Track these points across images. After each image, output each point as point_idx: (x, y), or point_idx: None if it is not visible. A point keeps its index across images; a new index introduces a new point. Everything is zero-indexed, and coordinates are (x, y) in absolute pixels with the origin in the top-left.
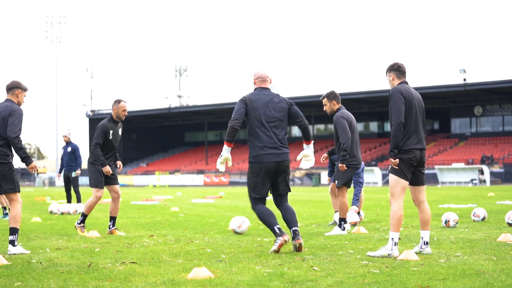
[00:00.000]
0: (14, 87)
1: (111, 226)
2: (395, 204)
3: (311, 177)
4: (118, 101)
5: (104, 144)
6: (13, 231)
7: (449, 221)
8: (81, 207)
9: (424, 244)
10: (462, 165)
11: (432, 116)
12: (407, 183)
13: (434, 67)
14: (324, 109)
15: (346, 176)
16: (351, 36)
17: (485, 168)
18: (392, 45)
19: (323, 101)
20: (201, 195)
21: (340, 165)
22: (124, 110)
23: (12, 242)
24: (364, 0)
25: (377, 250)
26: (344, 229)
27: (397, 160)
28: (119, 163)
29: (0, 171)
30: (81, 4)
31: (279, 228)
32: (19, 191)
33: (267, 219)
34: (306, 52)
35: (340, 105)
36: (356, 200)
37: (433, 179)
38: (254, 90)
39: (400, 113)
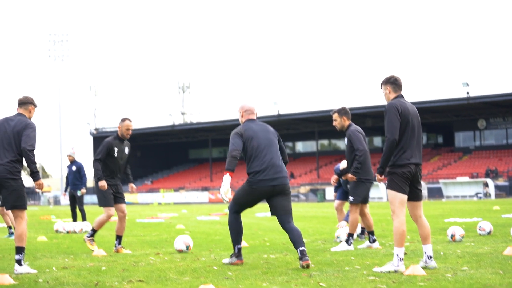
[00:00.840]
0: (28, 103)
1: (117, 245)
2: (396, 220)
3: (316, 192)
4: (123, 120)
5: (109, 162)
6: (19, 250)
7: (455, 235)
8: (86, 226)
9: (428, 258)
10: (466, 178)
11: (436, 130)
12: (406, 196)
13: (437, 81)
14: (334, 124)
15: (364, 193)
16: (353, 51)
17: (489, 181)
18: (394, 59)
19: (334, 116)
20: (206, 212)
21: (350, 175)
22: (128, 129)
23: (18, 262)
24: (365, 16)
25: (383, 266)
26: (374, 241)
27: (383, 177)
28: (131, 185)
29: (12, 186)
30: (84, 23)
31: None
32: (26, 208)
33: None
34: (309, 68)
35: (350, 121)
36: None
37: (438, 193)
38: (244, 123)
39: (394, 130)
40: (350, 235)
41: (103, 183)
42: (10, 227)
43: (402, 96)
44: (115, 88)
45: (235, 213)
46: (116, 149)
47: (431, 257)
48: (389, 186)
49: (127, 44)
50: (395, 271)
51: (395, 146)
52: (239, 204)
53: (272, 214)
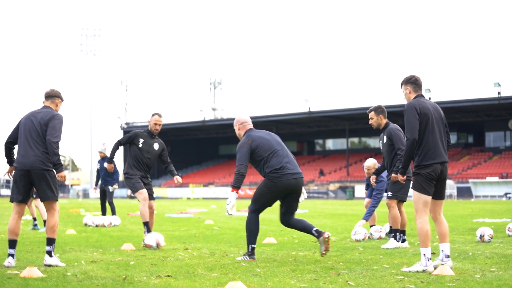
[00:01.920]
0: (55, 96)
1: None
2: (419, 220)
3: (345, 190)
4: (153, 114)
5: (134, 151)
6: (50, 241)
7: (483, 235)
8: (115, 220)
9: (445, 257)
10: (496, 178)
11: (466, 130)
12: (430, 197)
13: (468, 81)
14: (370, 122)
15: (402, 190)
16: (384, 49)
17: None
18: (425, 57)
19: (370, 114)
20: (236, 208)
21: (393, 175)
22: (156, 124)
23: (49, 253)
24: (398, 13)
25: (412, 266)
26: (404, 241)
27: (405, 176)
28: (176, 177)
29: (46, 178)
30: (116, 17)
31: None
32: (57, 200)
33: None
34: (341, 65)
35: (387, 119)
36: (368, 214)
37: (467, 193)
38: (246, 132)
39: (414, 130)
40: (397, 231)
41: (110, 165)
42: (34, 219)
43: (422, 96)
44: (146, 83)
45: (254, 213)
46: (141, 140)
47: (448, 256)
48: (414, 187)
49: (159, 39)
50: (424, 271)
51: (417, 145)
52: (260, 203)
53: (282, 211)
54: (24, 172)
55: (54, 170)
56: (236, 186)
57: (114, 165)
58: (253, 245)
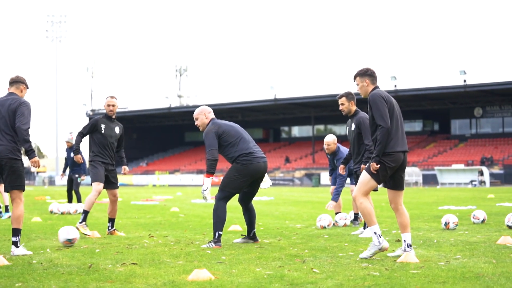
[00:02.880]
0: (19, 81)
1: (110, 228)
2: (361, 200)
3: (311, 177)
4: (106, 98)
5: (97, 138)
6: (16, 232)
7: (448, 223)
8: (81, 207)
9: (408, 247)
10: (462, 166)
11: (432, 117)
12: (377, 185)
13: (434, 68)
14: (341, 108)
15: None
16: (350, 36)
17: (484, 169)
18: (391, 45)
19: (341, 100)
20: (201, 195)
21: (362, 166)
22: (109, 105)
23: (15, 243)
24: (362, 1)
25: (366, 250)
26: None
27: (379, 165)
28: (124, 167)
29: (13, 167)
30: (82, 4)
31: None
32: (24, 190)
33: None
34: (306, 52)
35: (356, 107)
36: (337, 195)
37: (433, 180)
38: (210, 121)
39: (386, 118)
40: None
41: (78, 157)
42: (7, 207)
43: (378, 87)
44: (112, 70)
45: (222, 200)
46: (103, 126)
47: (410, 246)
48: (368, 170)
49: (124, 26)
50: (380, 250)
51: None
52: (229, 190)
53: (244, 192)
54: None
55: (27, 157)
56: (210, 172)
57: (81, 155)
58: (220, 232)
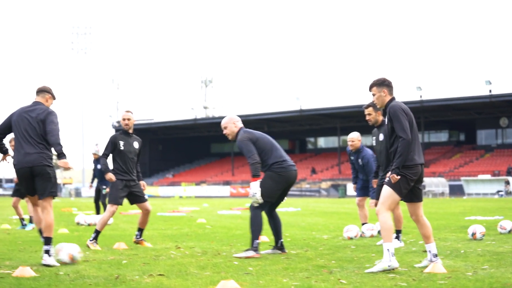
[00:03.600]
0: (45, 91)
1: (138, 236)
2: (383, 214)
3: (337, 188)
4: (122, 112)
5: (117, 155)
6: (48, 240)
7: (475, 233)
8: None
9: (433, 256)
10: (488, 176)
11: (458, 128)
12: (399, 199)
13: (459, 79)
14: (368, 118)
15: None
16: (374, 47)
17: (511, 179)
18: (416, 55)
19: (368, 110)
20: (228, 206)
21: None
22: (125, 119)
23: (47, 252)
24: (389, 12)
25: (374, 266)
26: (401, 241)
27: (399, 176)
28: (142, 183)
29: (47, 174)
30: (107, 15)
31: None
32: (56, 196)
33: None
34: (332, 63)
35: (382, 116)
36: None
37: (459, 191)
38: (240, 130)
39: (407, 131)
40: (399, 232)
41: (109, 175)
42: (22, 219)
43: (395, 98)
44: (137, 81)
45: (258, 209)
46: (121, 142)
47: (436, 255)
48: (389, 183)
49: (150, 38)
50: (389, 267)
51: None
52: (265, 200)
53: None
54: (26, 169)
55: (59, 161)
56: (257, 175)
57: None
58: (258, 241)
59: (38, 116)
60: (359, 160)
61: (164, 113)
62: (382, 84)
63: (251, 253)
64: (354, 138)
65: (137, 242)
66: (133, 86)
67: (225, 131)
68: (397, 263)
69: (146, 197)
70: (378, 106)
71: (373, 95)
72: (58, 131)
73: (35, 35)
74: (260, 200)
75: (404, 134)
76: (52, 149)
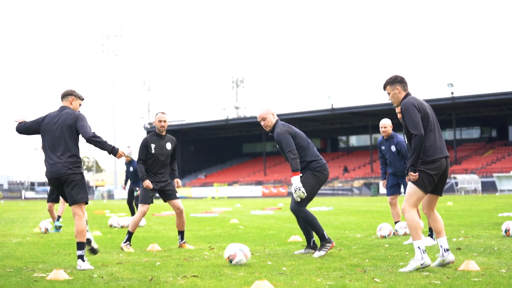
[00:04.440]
0: (67, 94)
1: (180, 240)
2: (410, 212)
3: (370, 187)
4: (156, 113)
5: (150, 159)
6: (81, 245)
7: (509, 230)
8: (142, 221)
9: (445, 251)
10: None
11: (490, 124)
12: (425, 195)
13: (491, 74)
14: (399, 116)
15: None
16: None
17: None
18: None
19: (399, 108)
20: (260, 206)
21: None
22: (160, 121)
23: (81, 257)
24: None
25: (408, 265)
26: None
27: (417, 173)
28: (177, 180)
29: (74, 181)
30: (137, 17)
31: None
32: (87, 202)
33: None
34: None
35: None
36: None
37: (492, 187)
38: (277, 122)
39: (419, 126)
40: (431, 229)
41: (146, 183)
42: (59, 218)
43: (410, 94)
44: (168, 82)
45: (302, 207)
46: (153, 146)
47: (447, 250)
48: (414, 181)
49: (181, 39)
50: (422, 265)
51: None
52: (308, 198)
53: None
54: (55, 180)
55: (113, 154)
56: (298, 169)
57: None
58: (323, 232)
59: (65, 121)
60: (392, 147)
61: (195, 113)
62: (395, 81)
63: (328, 247)
64: (386, 124)
65: (180, 246)
66: (164, 87)
67: (263, 123)
68: (430, 260)
69: (177, 195)
70: (394, 104)
71: (388, 94)
72: (90, 131)
73: (66, 38)
74: (304, 195)
75: (416, 130)
76: (82, 153)
